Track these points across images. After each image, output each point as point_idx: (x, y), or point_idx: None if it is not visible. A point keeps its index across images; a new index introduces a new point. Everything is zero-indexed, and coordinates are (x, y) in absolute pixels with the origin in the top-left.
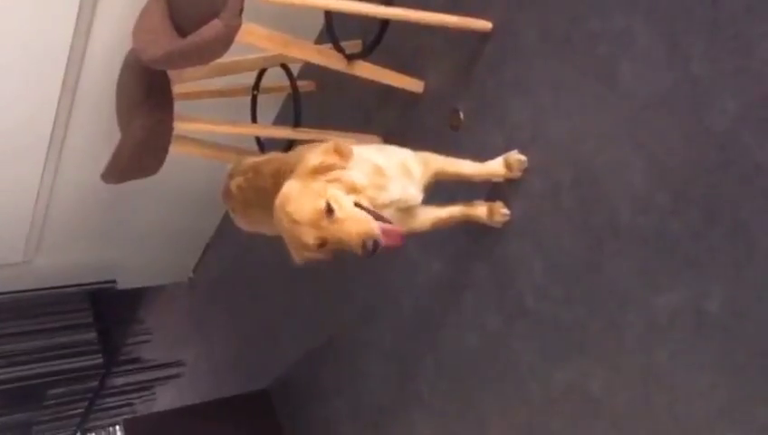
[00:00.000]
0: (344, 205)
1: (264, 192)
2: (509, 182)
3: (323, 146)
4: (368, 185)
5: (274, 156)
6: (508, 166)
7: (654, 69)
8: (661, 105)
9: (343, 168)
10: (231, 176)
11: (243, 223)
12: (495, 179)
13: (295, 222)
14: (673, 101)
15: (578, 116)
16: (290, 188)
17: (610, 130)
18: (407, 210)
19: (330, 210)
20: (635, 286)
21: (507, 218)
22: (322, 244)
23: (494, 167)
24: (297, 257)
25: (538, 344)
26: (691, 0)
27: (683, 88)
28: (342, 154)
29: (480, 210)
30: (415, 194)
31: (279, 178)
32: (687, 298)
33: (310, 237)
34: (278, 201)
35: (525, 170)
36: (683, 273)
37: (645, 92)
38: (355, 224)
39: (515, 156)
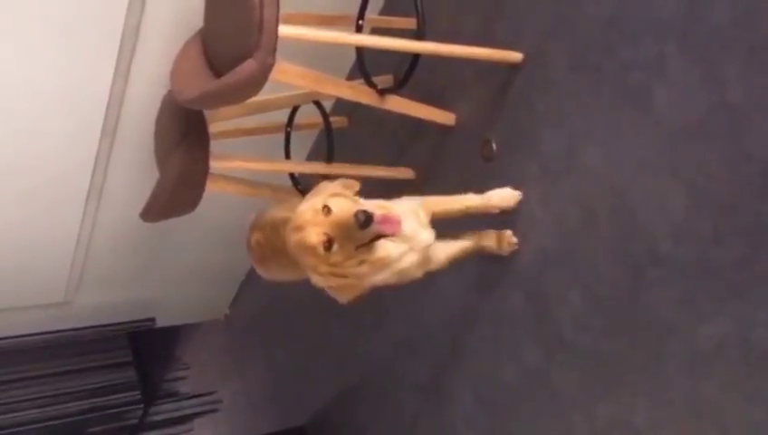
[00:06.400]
0: (341, 203)
1: (279, 252)
2: (545, 211)
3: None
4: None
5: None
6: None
7: (689, 95)
8: (698, 131)
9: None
10: (251, 229)
11: (263, 273)
12: (494, 211)
13: (299, 228)
14: (710, 127)
15: (613, 144)
16: (296, 211)
17: (647, 157)
18: (423, 254)
19: (327, 209)
20: (677, 316)
21: (516, 247)
22: (328, 241)
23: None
24: (316, 279)
25: (578, 377)
26: (725, 24)
27: (720, 113)
28: (347, 185)
29: (489, 239)
30: (427, 237)
31: None
32: (733, 327)
33: (314, 236)
34: (288, 228)
35: (562, 199)
36: (727, 302)
37: (681, 119)
38: (348, 208)
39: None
